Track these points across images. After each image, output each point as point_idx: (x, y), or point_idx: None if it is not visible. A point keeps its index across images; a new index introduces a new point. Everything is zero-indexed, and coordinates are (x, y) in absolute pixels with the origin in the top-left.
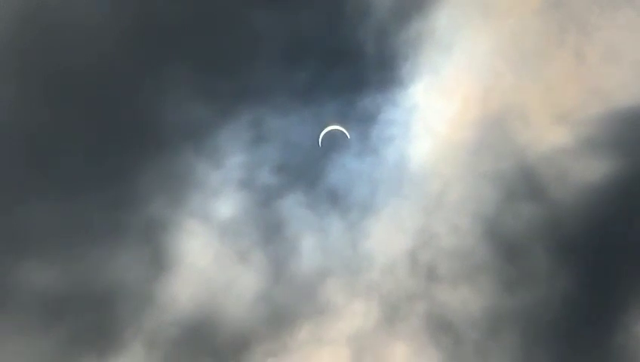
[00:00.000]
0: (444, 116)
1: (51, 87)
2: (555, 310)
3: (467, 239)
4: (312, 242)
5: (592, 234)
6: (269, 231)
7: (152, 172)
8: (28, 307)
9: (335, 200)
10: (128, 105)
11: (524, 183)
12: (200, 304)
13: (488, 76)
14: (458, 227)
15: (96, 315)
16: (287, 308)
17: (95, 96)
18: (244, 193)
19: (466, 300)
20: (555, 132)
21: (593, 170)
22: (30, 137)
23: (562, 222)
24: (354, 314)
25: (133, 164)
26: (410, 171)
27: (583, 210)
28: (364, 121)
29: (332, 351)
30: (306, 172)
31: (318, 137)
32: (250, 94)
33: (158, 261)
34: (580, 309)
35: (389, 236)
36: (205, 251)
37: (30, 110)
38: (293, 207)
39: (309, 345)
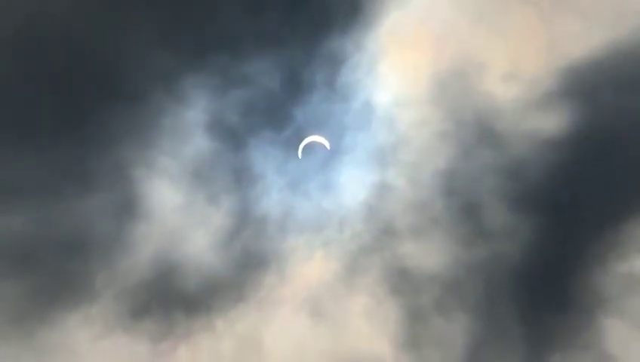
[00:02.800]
0: (405, 66)
1: (17, 34)
2: (513, 263)
3: (425, 192)
4: (278, 187)
5: (549, 186)
6: (236, 174)
7: (120, 117)
8: None
9: (299, 145)
10: (96, 53)
11: (482, 135)
12: (168, 249)
13: (446, 26)
14: (416, 179)
15: (65, 263)
16: (253, 254)
17: (63, 43)
18: (211, 136)
19: (425, 254)
20: (511, 84)
21: (549, 123)
22: None
23: (519, 175)
24: (315, 264)
25: (102, 109)
26: (375, 116)
27: (540, 162)
28: (330, 65)
29: (293, 300)
30: (273, 116)
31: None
32: (216, 40)
33: (127, 206)
34: (538, 262)
35: (348, 186)
36: (174, 195)
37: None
38: (260, 150)
39: (272, 291)
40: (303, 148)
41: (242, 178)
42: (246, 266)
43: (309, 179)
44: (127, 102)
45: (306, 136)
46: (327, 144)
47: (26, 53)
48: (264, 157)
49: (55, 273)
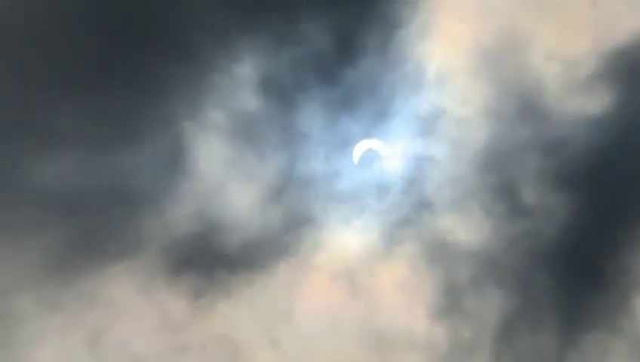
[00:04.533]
0: (452, 37)
1: None
2: (550, 241)
3: (465, 166)
4: (324, 149)
5: (589, 166)
6: (283, 133)
7: (172, 70)
8: (44, 202)
9: (350, 105)
10: (152, 5)
11: (525, 112)
12: (212, 204)
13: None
14: (457, 153)
15: (109, 213)
16: (294, 214)
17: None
18: (261, 94)
19: (462, 228)
20: (556, 62)
21: (593, 103)
22: (51, 34)
23: (561, 153)
24: (352, 233)
25: (155, 61)
26: (421, 86)
27: (582, 142)
28: (383, 29)
29: (328, 268)
30: (324, 76)
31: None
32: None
33: (174, 159)
34: (575, 242)
35: (390, 155)
36: (220, 151)
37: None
38: (309, 110)
39: (308, 258)
40: (358, 153)
41: (290, 137)
42: (287, 226)
43: (354, 144)
44: (179, 56)
45: (356, 99)
46: (381, 150)
47: (83, 1)
48: (312, 117)
49: (99, 223)
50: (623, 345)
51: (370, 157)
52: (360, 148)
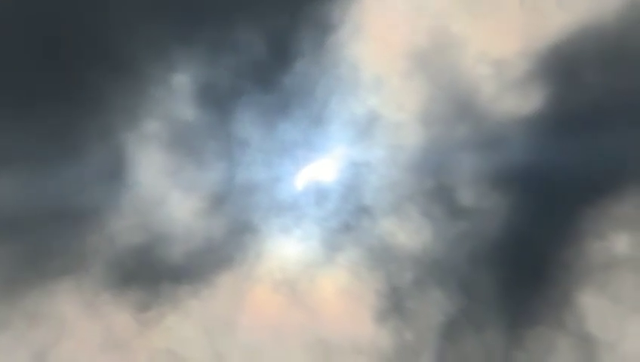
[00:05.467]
0: (384, 39)
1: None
2: (491, 240)
3: (402, 169)
4: (262, 156)
5: (527, 165)
6: (223, 141)
7: (109, 84)
8: None
9: (287, 110)
10: (85, 19)
11: (460, 113)
12: (155, 216)
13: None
14: (393, 157)
15: (52, 229)
16: (236, 224)
17: (52, 8)
18: (199, 103)
19: (403, 232)
20: (489, 62)
21: (528, 102)
22: None
23: (497, 153)
24: (292, 242)
25: (91, 75)
26: (355, 89)
27: (518, 141)
28: (316, 32)
29: (272, 276)
30: (261, 82)
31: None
32: (204, 9)
33: (115, 172)
34: (516, 239)
35: (326, 162)
36: (161, 162)
37: None
38: (247, 117)
39: (249, 269)
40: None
41: (229, 145)
42: (229, 237)
43: (292, 151)
44: (115, 68)
45: (292, 103)
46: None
47: (13, 18)
48: (251, 124)
49: (41, 240)
50: (567, 339)
51: (306, 162)
52: (305, 175)
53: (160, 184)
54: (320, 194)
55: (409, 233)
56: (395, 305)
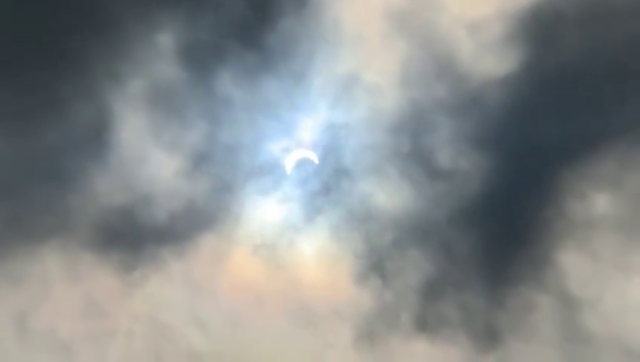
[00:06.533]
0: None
1: None
2: (470, 200)
3: (380, 131)
4: (244, 115)
5: (506, 126)
6: (205, 100)
7: (91, 43)
8: None
9: (270, 68)
10: None
11: (438, 75)
12: (138, 175)
13: None
14: (372, 118)
15: (37, 191)
16: (219, 183)
17: None
18: (182, 62)
19: (382, 193)
20: (468, 23)
21: (505, 63)
22: None
23: (476, 114)
24: (272, 204)
25: (73, 35)
26: (334, 51)
27: (497, 102)
28: None
29: (252, 240)
30: (244, 40)
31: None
32: None
33: (98, 132)
34: (495, 201)
35: (306, 125)
36: (144, 121)
37: None
38: (229, 75)
39: (233, 228)
40: (292, 162)
41: (212, 103)
42: (212, 196)
43: (276, 108)
44: (98, 29)
45: (274, 61)
46: (315, 159)
47: None
48: (234, 83)
49: (26, 201)
50: (547, 298)
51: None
52: (292, 158)
53: (143, 143)
54: (300, 156)
55: (389, 194)
56: (374, 266)
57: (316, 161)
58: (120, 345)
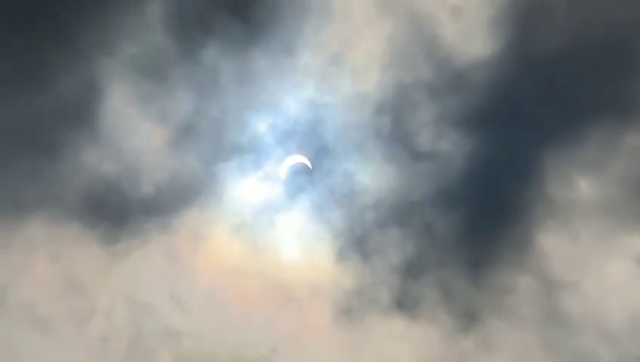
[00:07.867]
0: None
1: None
2: (452, 181)
3: (362, 111)
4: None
5: (487, 105)
6: (193, 71)
7: (79, 12)
8: None
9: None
10: None
11: (421, 55)
12: (125, 146)
13: None
14: (353, 98)
15: (25, 161)
16: (204, 156)
17: None
18: (170, 33)
19: (364, 172)
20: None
21: (489, 43)
22: None
23: (457, 95)
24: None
25: (62, 4)
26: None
27: (477, 83)
28: None
29: (228, 220)
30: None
31: None
32: None
33: (87, 101)
34: (477, 181)
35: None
36: (131, 92)
37: None
38: (218, 47)
39: (209, 210)
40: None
41: (200, 74)
42: (198, 169)
43: (263, 79)
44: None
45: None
46: (309, 164)
47: None
48: (221, 54)
49: (12, 171)
50: (527, 279)
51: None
52: (288, 163)
53: (130, 114)
54: (283, 133)
55: (371, 174)
56: (355, 245)
57: (298, 140)
58: (99, 322)
